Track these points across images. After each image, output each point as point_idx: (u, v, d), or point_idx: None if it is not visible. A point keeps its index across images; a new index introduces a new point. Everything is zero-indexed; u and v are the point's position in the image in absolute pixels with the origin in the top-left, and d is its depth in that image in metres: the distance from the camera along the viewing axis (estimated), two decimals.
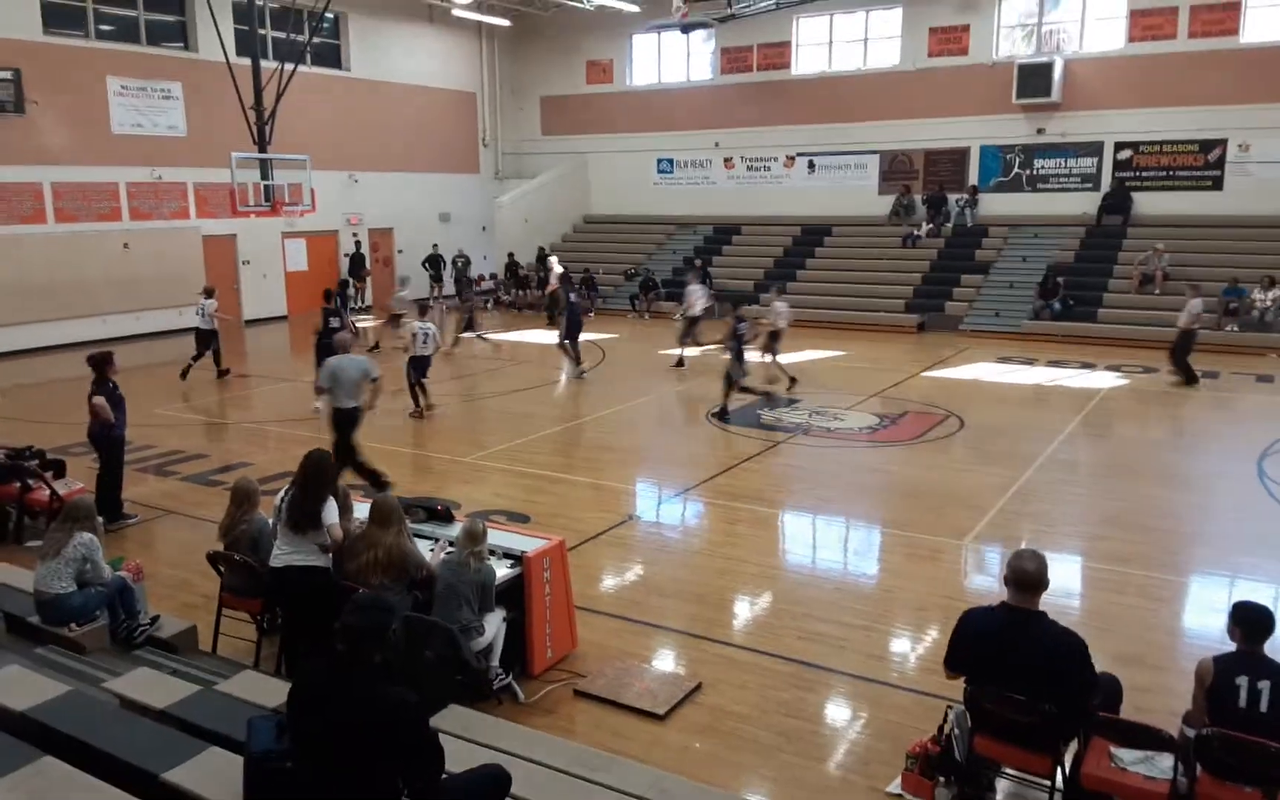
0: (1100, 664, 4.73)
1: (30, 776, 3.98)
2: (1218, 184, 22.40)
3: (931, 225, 24.98)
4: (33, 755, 4.12)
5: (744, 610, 7.78)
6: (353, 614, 3.74)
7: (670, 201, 29.50)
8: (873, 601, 7.82)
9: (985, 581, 8.37)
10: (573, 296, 18.42)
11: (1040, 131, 24.02)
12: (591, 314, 25.18)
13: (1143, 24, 22.58)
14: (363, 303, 26.93)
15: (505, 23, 29.48)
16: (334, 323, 15.57)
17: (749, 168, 28.30)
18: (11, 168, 19.90)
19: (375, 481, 10.13)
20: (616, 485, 11.25)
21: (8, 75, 19.53)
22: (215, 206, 23.19)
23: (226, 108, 21.23)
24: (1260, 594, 6.77)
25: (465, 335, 21.34)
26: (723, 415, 13.89)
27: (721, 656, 6.78)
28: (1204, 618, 7.50)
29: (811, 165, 27.28)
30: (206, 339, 17.15)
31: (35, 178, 20.35)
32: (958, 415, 13.94)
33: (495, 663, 6.07)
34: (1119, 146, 23.28)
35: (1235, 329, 19.44)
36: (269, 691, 5.02)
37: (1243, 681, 4.44)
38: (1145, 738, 4.62)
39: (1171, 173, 22.87)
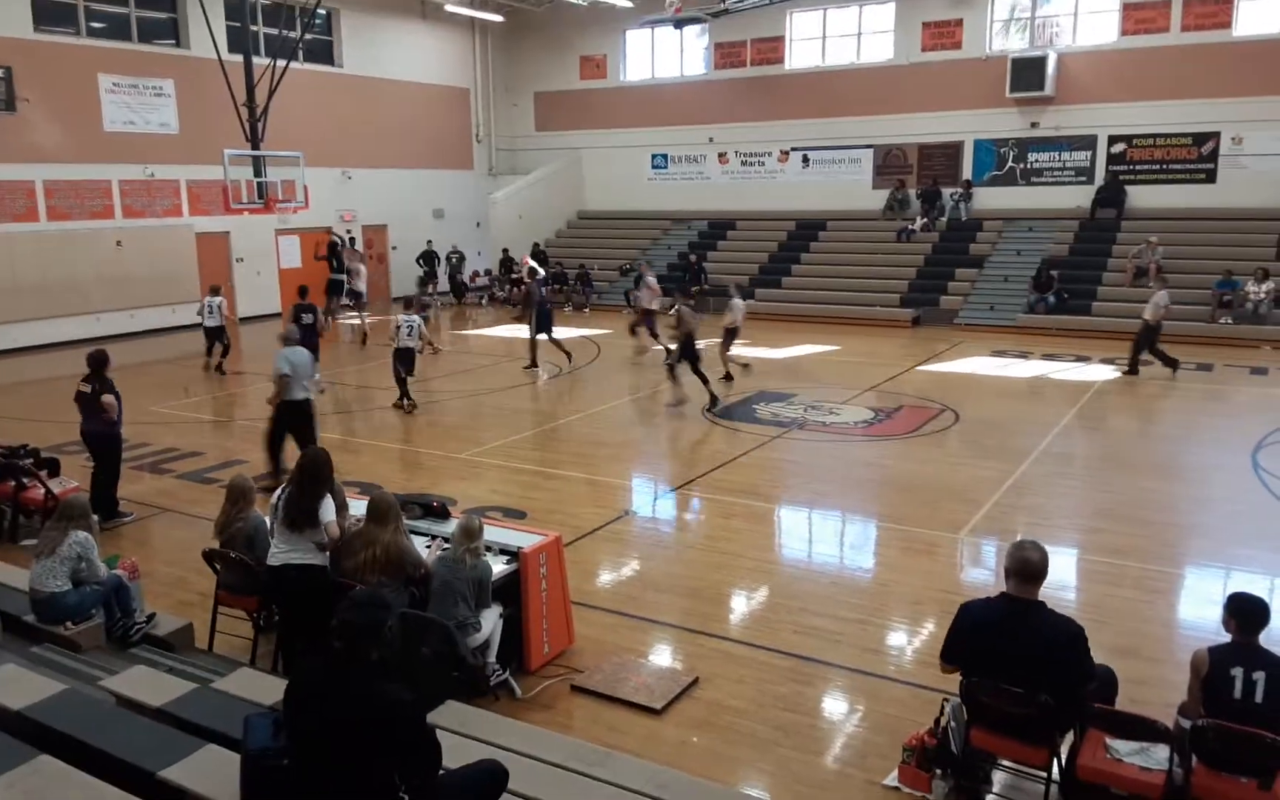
0: (1096, 656, 4.75)
1: (27, 775, 3.97)
2: (1211, 177, 22.45)
3: (926, 219, 25.00)
4: (29, 754, 4.11)
5: (740, 605, 7.78)
6: (349, 611, 3.74)
7: (665, 197, 29.48)
8: (869, 595, 7.84)
9: (981, 575, 8.39)
10: (543, 291, 18.44)
11: (1034, 125, 24.05)
12: (587, 310, 25.19)
13: (1135, 17, 22.62)
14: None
15: (498, 18, 29.45)
16: (307, 318, 15.55)
17: (743, 163, 28.29)
18: (3, 166, 19.82)
19: (275, 472, 10.25)
20: (612, 480, 11.25)
21: None
22: (208, 204, 23.14)
23: (219, 105, 21.19)
24: (1255, 585, 6.78)
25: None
26: (673, 389, 14.42)
27: (718, 651, 6.78)
28: (1199, 610, 7.52)
29: (806, 160, 27.28)
30: (215, 335, 17.42)
31: (27, 176, 20.28)
32: (953, 409, 13.96)
33: (492, 659, 6.07)
34: (1112, 140, 23.32)
35: (1229, 321, 19.50)
36: (265, 689, 5.01)
37: (1238, 672, 4.46)
38: (1141, 729, 4.64)
39: (1165, 166, 22.91)
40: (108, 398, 9.34)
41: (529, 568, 6.36)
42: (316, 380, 10.53)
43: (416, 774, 3.68)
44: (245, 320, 24.06)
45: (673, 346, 16.60)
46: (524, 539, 6.63)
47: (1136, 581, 7.94)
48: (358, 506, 6.67)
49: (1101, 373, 16.43)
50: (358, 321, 21.81)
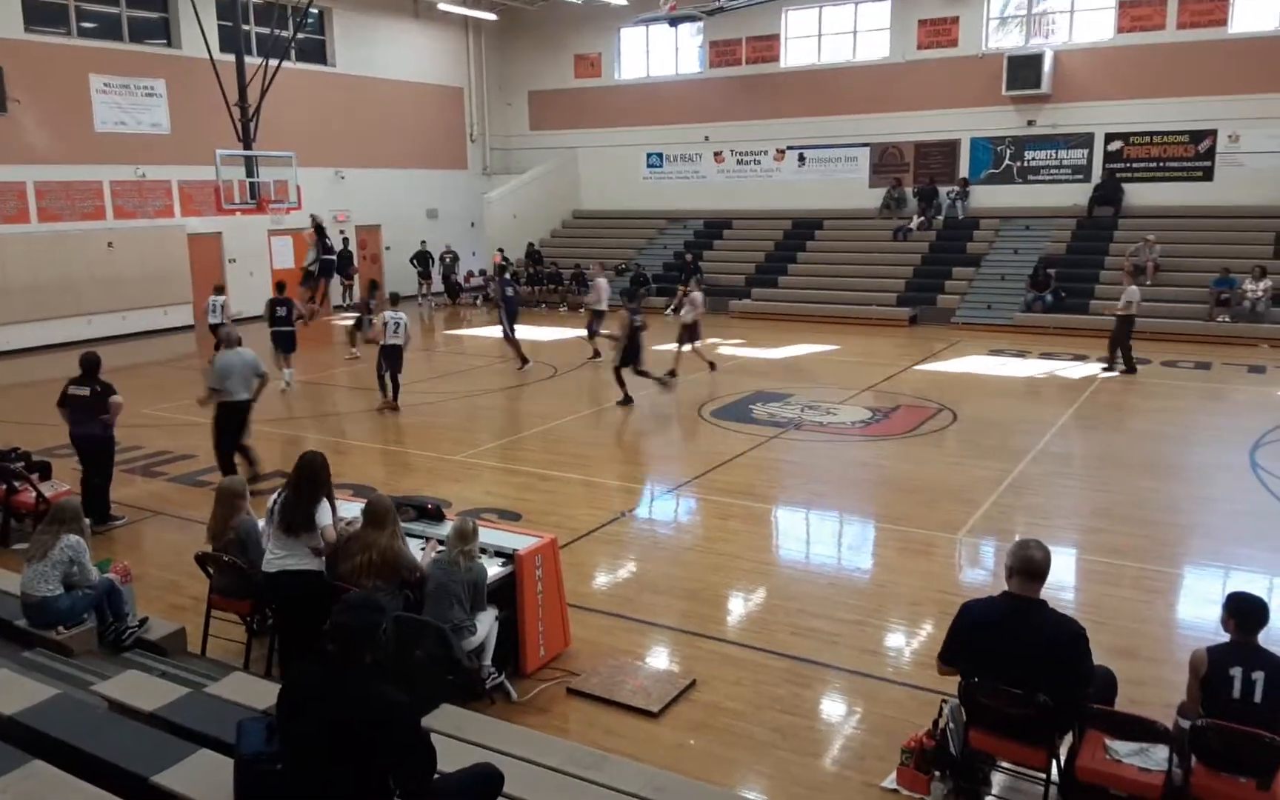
0: (1095, 656, 4.72)
1: (19, 780, 3.93)
2: (1208, 175, 22.47)
3: (923, 218, 24.99)
4: (21, 759, 4.07)
5: (737, 606, 7.75)
6: (344, 614, 3.70)
7: (660, 196, 29.46)
8: (866, 596, 7.81)
9: (979, 575, 8.37)
10: (508, 290, 18.54)
11: (1030, 123, 24.06)
12: (583, 310, 25.12)
13: (1131, 15, 22.64)
14: (351, 300, 26.83)
15: (491, 17, 29.41)
16: (280, 312, 16.19)
17: (739, 161, 28.27)
18: None
19: (227, 469, 10.41)
20: (608, 482, 11.21)
21: None
22: (200, 204, 23.07)
23: (211, 105, 21.13)
24: (1254, 585, 6.76)
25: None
26: (620, 390, 14.45)
27: (715, 653, 6.75)
28: (1198, 609, 7.50)
29: (802, 158, 27.27)
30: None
31: (18, 177, 20.20)
32: (950, 409, 13.94)
33: (487, 662, 6.03)
34: (1109, 138, 23.34)
35: (1226, 319, 19.51)
36: (259, 693, 4.98)
37: (1237, 672, 4.44)
38: (1140, 730, 4.61)
39: (1162, 163, 22.93)
40: (116, 398, 9.32)
41: (525, 570, 6.32)
42: (262, 375, 10.60)
43: (411, 778, 3.65)
44: (238, 321, 23.95)
45: (606, 343, 17.09)
46: (519, 541, 6.59)
47: (1135, 581, 7.92)
48: (349, 509, 6.64)
49: (1099, 371, 16.40)
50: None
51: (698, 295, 16.75)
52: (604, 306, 18.35)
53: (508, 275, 19.01)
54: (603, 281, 18.80)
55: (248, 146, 21.27)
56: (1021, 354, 18.37)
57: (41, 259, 20.56)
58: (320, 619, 3.97)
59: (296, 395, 16.15)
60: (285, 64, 22.17)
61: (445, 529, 6.47)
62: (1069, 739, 4.75)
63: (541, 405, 14.85)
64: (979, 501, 9.86)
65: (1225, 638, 4.63)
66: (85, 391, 9.29)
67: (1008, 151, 24.54)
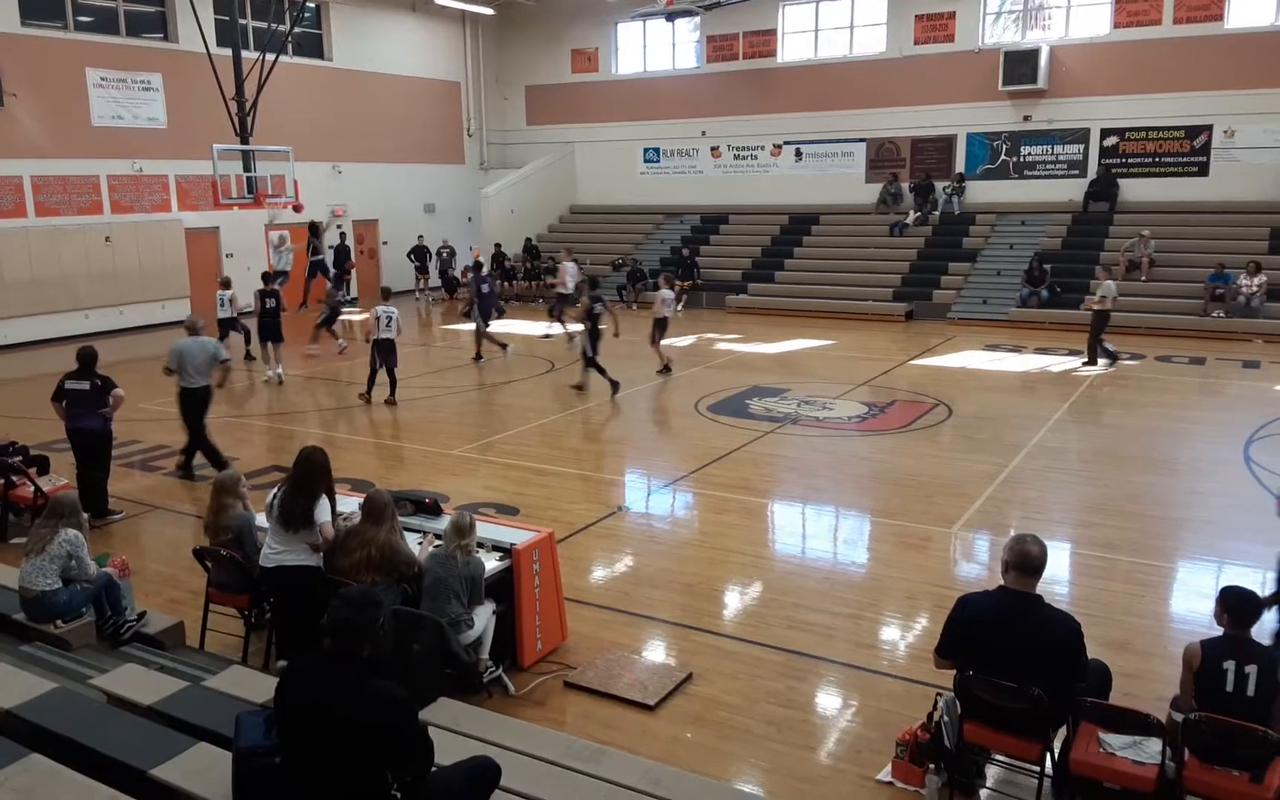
0: (1089, 650, 4.76)
1: (18, 774, 3.95)
2: (1203, 170, 22.49)
3: (919, 213, 25.01)
4: (20, 753, 4.09)
5: (734, 600, 7.78)
6: (341, 608, 3.71)
7: (657, 191, 29.44)
8: (862, 590, 7.84)
9: (974, 569, 8.41)
10: (484, 287, 18.69)
11: (1026, 118, 24.07)
12: (550, 295, 25.06)
13: (1127, 10, 22.64)
14: (348, 294, 26.80)
15: (488, 11, 29.33)
16: (270, 304, 16.54)
17: (736, 156, 28.26)
18: None
19: (217, 460, 10.67)
20: (605, 477, 11.24)
21: None
22: (197, 199, 23.04)
23: (208, 99, 21.07)
24: (1247, 579, 6.80)
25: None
26: (580, 388, 14.76)
27: (712, 647, 6.78)
28: (1191, 603, 7.54)
29: (799, 153, 27.26)
30: (229, 327, 17.66)
31: (15, 171, 20.15)
32: (946, 403, 13.98)
33: (485, 655, 6.05)
34: (1105, 133, 23.36)
35: (1221, 315, 19.55)
36: (257, 687, 5.00)
37: (1230, 665, 4.48)
38: (1133, 723, 4.64)
39: (1157, 159, 22.96)
40: (118, 391, 9.36)
41: (522, 564, 6.34)
42: (223, 360, 10.90)
43: (409, 771, 3.67)
44: (244, 314, 23.95)
45: (566, 325, 17.80)
46: (517, 535, 6.61)
47: (1128, 575, 7.96)
48: (348, 504, 6.65)
49: (1094, 366, 16.44)
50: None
51: (668, 293, 16.79)
52: (569, 289, 18.44)
53: (484, 271, 19.18)
54: (569, 265, 18.97)
55: (245, 141, 21.22)
56: (1017, 349, 18.40)
57: (38, 253, 20.52)
58: (317, 614, 3.99)
59: (294, 389, 16.15)
60: (282, 58, 22.12)
61: (443, 523, 6.48)
62: (1063, 732, 4.78)
63: (538, 400, 14.86)
64: (974, 496, 9.89)
65: (1218, 631, 4.67)
66: (84, 385, 9.29)
67: (1004, 147, 24.55)
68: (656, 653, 6.80)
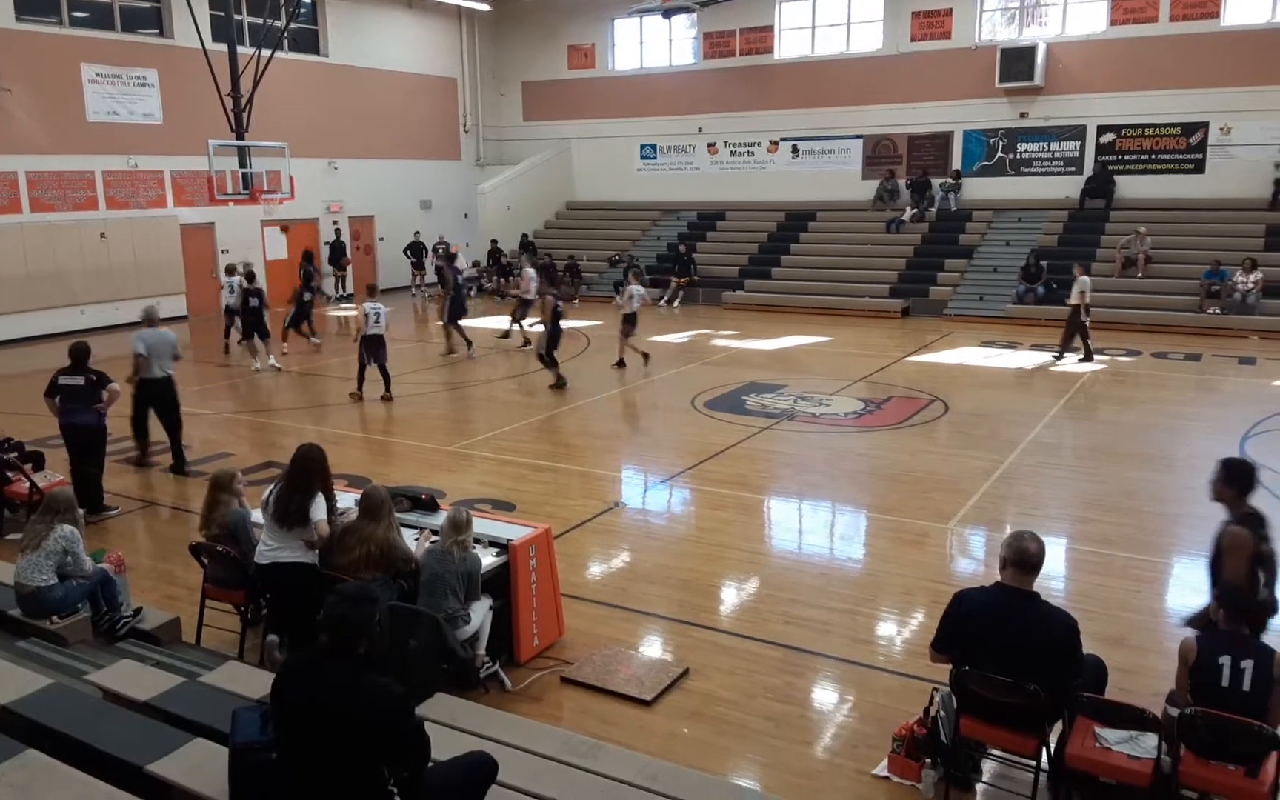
0: (1084, 645, 4.76)
1: (14, 770, 3.95)
2: (1199, 167, 22.52)
3: (915, 210, 25.01)
4: (16, 749, 4.09)
5: (730, 596, 7.78)
6: (338, 604, 3.71)
7: (654, 187, 29.42)
8: (858, 585, 7.84)
9: (970, 565, 8.43)
10: (459, 278, 18.78)
11: (1023, 115, 24.08)
12: (577, 301, 25.14)
13: (1124, 7, 22.65)
14: (344, 291, 26.79)
15: (485, 7, 29.29)
16: (253, 303, 16.92)
17: (733, 153, 28.25)
18: None
19: (144, 449, 11.20)
20: (602, 472, 11.23)
21: None
22: (193, 195, 23.00)
23: (203, 95, 21.03)
24: None
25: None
26: (560, 384, 14.94)
27: (708, 642, 6.78)
28: (1187, 599, 7.52)
29: (795, 150, 27.25)
30: (235, 314, 18.00)
31: (10, 167, 20.10)
32: (942, 399, 13.99)
33: (482, 651, 6.05)
34: (1101, 130, 23.37)
35: (1217, 311, 19.58)
36: (253, 682, 4.99)
37: (1226, 661, 4.48)
38: (1129, 718, 4.65)
39: (1153, 156, 22.98)
40: (114, 386, 9.36)
41: (518, 560, 6.34)
42: (271, 365, 10.83)
43: (405, 767, 3.66)
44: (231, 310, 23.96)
45: (524, 327, 18.12)
46: (513, 531, 6.60)
47: (1124, 571, 7.97)
48: (344, 499, 6.64)
49: (1090, 363, 16.47)
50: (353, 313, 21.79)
51: (637, 288, 16.86)
52: (532, 296, 18.67)
53: (456, 264, 19.32)
54: (531, 271, 19.27)
55: (240, 137, 21.19)
56: (1013, 345, 18.41)
57: (34, 249, 20.48)
58: (313, 611, 3.99)
59: (289, 386, 16.14)
60: (278, 54, 22.09)
61: (439, 519, 6.47)
62: (1059, 727, 4.79)
63: (535, 396, 14.85)
64: (970, 492, 9.90)
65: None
66: (78, 381, 9.28)
67: (1000, 144, 24.56)
68: (653, 648, 6.81)
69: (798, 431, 12.61)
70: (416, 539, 6.36)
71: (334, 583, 5.52)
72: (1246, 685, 4.42)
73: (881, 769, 5.19)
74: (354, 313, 18.96)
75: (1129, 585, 7.70)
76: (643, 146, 29.56)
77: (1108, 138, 23.36)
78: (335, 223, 26.93)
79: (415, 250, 27.60)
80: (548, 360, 15.03)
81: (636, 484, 10.93)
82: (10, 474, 9.09)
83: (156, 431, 11.22)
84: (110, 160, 21.78)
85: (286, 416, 14.21)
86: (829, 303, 23.01)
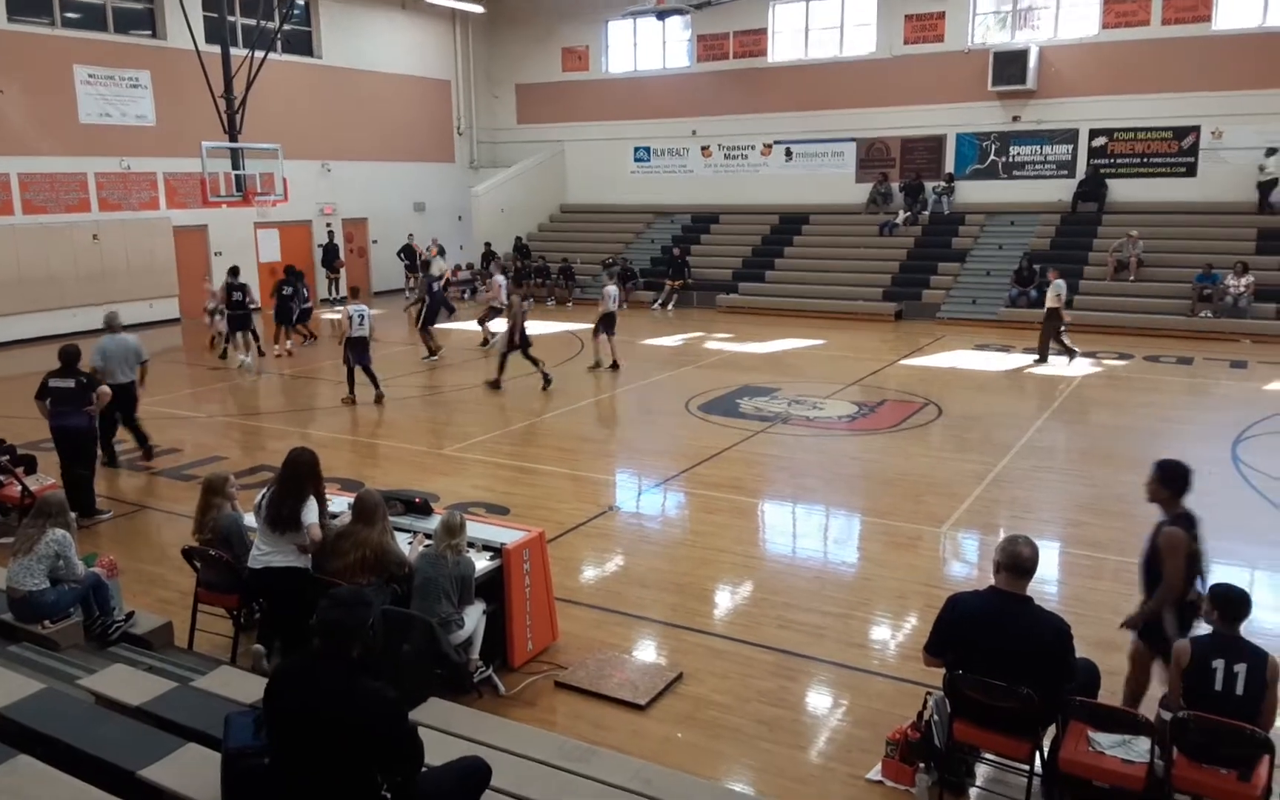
0: (1077, 649, 4.77)
1: (6, 775, 3.93)
2: (1191, 171, 22.61)
3: (908, 213, 25.06)
4: (7, 754, 4.07)
5: (724, 600, 7.78)
6: (331, 608, 3.70)
7: (648, 190, 29.44)
8: (852, 589, 7.85)
9: (963, 568, 8.44)
10: (434, 286, 18.91)
11: (1016, 119, 24.14)
12: (570, 304, 25.13)
13: (1116, 11, 22.73)
14: (337, 293, 26.74)
15: (479, 9, 29.27)
16: (237, 297, 17.42)
17: (726, 156, 28.27)
18: None
19: (111, 455, 11.23)
20: (596, 476, 11.23)
21: None
22: (186, 197, 22.96)
23: (196, 96, 20.96)
24: (1234, 578, 6.82)
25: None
26: (496, 384, 15.16)
27: (702, 646, 6.78)
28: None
29: (789, 153, 27.29)
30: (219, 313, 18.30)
31: (2, 169, 20.06)
32: (935, 403, 14.01)
33: (475, 655, 6.04)
34: (1094, 133, 23.45)
35: (1209, 315, 19.64)
36: (246, 687, 4.98)
37: (1219, 664, 4.49)
38: (1122, 722, 4.67)
39: (1145, 159, 23.06)
40: (104, 389, 9.33)
41: (512, 564, 6.33)
42: (144, 361, 11.02)
43: (398, 772, 3.66)
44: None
45: (486, 327, 18.43)
46: (507, 535, 6.59)
47: (1116, 574, 7.98)
48: (337, 503, 6.63)
49: (1082, 366, 16.52)
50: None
51: (612, 288, 16.99)
52: (501, 303, 18.85)
53: (431, 270, 19.44)
54: (500, 277, 19.42)
55: (233, 139, 21.11)
56: (1006, 349, 18.45)
57: (25, 251, 20.41)
58: (306, 615, 3.98)
59: (283, 389, 16.12)
60: (271, 56, 22.03)
61: (433, 523, 6.47)
62: (1052, 731, 4.80)
63: (528, 400, 14.83)
64: (963, 495, 9.92)
65: (1207, 629, 4.70)
66: (69, 383, 9.26)
67: (993, 147, 24.63)
68: (647, 652, 6.81)
69: (791, 435, 12.61)
70: (410, 543, 6.35)
71: (327, 587, 5.53)
72: (1240, 689, 4.44)
73: (875, 773, 5.19)
74: (337, 316, 19.03)
75: (1121, 589, 7.69)
76: (637, 149, 29.58)
77: (1100, 141, 23.43)
78: (329, 225, 26.89)
79: (409, 253, 27.56)
80: (500, 361, 15.25)
81: (630, 487, 10.92)
82: (2, 477, 9.05)
83: (120, 431, 11.29)
84: (103, 162, 21.73)
85: (278, 420, 14.18)
86: (822, 306, 23.03)
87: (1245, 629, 4.63)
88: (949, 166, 25.19)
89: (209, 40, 21.65)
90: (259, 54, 21.03)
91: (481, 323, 19.48)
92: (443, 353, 18.22)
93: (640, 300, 25.24)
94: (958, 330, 20.66)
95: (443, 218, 29.72)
